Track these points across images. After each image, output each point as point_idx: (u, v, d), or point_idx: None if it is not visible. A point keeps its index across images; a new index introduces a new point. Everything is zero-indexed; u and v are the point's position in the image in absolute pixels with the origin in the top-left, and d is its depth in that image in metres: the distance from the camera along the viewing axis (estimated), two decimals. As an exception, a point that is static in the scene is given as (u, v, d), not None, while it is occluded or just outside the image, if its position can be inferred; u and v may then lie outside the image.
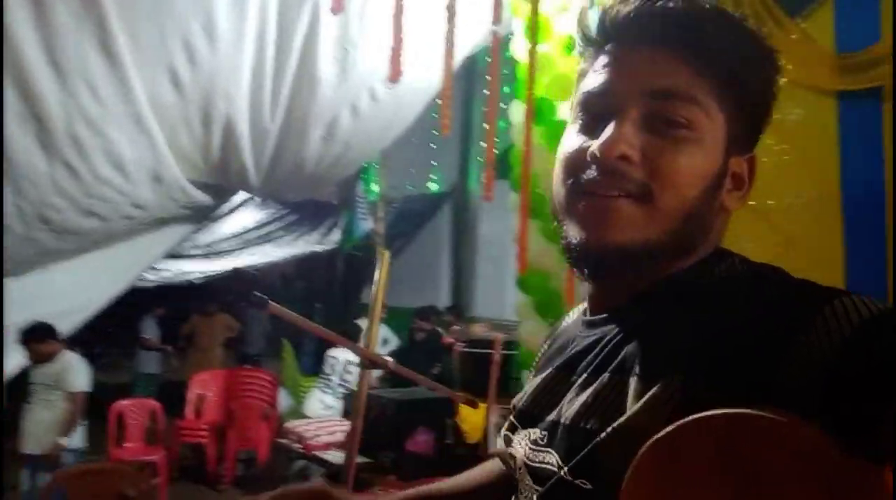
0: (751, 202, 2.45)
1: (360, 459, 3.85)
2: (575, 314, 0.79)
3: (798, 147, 2.70)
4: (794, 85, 2.77)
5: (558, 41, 3.40)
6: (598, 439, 0.57)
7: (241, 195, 6.60)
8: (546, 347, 0.82)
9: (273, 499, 0.78)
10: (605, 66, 0.65)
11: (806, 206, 2.70)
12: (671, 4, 0.62)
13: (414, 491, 0.90)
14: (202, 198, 5.03)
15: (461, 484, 0.91)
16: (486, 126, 9.00)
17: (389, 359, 1.53)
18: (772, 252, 2.84)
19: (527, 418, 0.70)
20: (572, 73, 2.99)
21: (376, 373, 5.24)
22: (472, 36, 3.95)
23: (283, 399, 5.82)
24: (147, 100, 3.63)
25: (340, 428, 4.27)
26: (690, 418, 0.46)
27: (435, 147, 9.52)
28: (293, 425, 4.43)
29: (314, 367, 7.40)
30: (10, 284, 4.21)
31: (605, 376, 0.61)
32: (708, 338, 0.55)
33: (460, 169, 8.84)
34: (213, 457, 5.69)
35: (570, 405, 0.63)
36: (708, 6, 0.63)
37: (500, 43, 2.87)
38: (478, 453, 4.62)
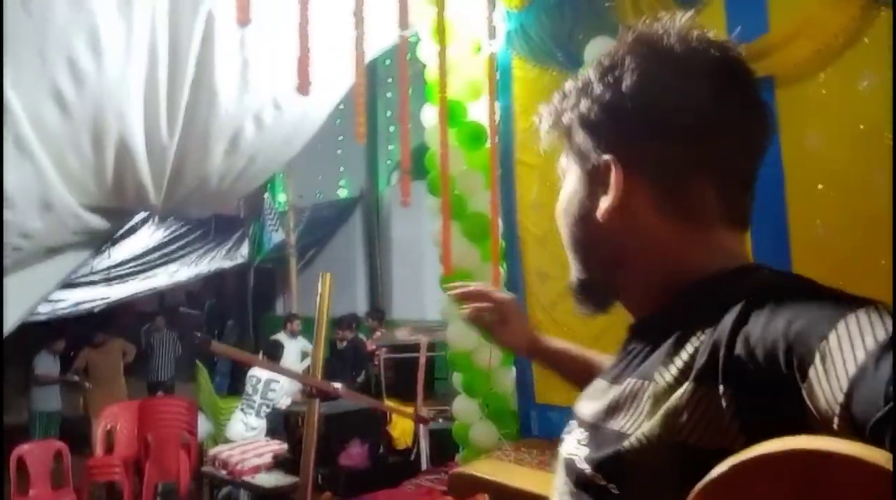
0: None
1: (289, 479, 3.76)
2: None
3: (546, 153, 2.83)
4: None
5: (464, 43, 3.42)
6: (622, 445, 0.58)
7: (141, 215, 6.26)
8: None
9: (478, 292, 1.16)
10: None
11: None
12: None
13: (566, 346, 1.17)
14: (97, 222, 4.71)
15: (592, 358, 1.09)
16: (391, 129, 8.94)
17: (338, 385, 1.48)
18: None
19: (575, 419, 0.74)
20: (479, 73, 3.04)
21: (296, 386, 5.14)
22: (374, 42, 3.91)
23: (202, 424, 5.57)
24: (30, 124, 3.36)
25: (268, 449, 4.14)
26: (749, 454, 0.41)
27: (341, 153, 9.41)
28: (217, 451, 4.26)
29: (231, 387, 7.14)
30: None
31: (630, 381, 0.63)
32: (724, 347, 0.53)
33: (369, 173, 8.77)
34: (129, 494, 5.36)
35: (597, 407, 0.67)
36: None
37: (406, 47, 2.84)
38: (411, 458, 4.61)
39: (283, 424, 4.42)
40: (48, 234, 4.37)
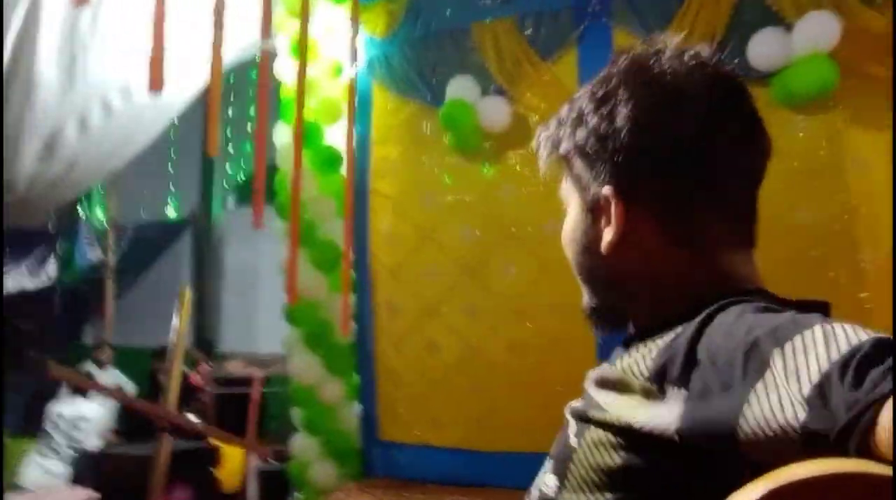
0: (513, 229, 2.56)
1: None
2: None
3: (550, 180, 2.95)
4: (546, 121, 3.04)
5: (325, 64, 3.32)
6: (591, 413, 0.62)
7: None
8: None
9: None
10: None
11: (556, 233, 2.94)
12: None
13: None
14: None
15: None
16: (231, 150, 8.51)
17: (197, 421, 1.28)
18: (529, 276, 3.06)
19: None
20: (338, 96, 2.96)
21: (100, 424, 4.59)
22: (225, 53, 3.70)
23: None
24: None
25: (70, 498, 3.62)
26: (784, 478, 0.39)
27: (173, 171, 8.79)
28: (4, 501, 3.65)
29: (26, 426, 6.23)
30: None
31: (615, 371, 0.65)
32: (686, 347, 0.55)
33: (203, 194, 8.23)
34: None
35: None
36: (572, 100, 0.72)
37: (268, 59, 2.69)
38: (238, 500, 4.26)
39: (93, 469, 3.89)
40: None
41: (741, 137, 0.65)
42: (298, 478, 3.34)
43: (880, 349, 0.44)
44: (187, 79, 3.88)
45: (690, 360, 0.54)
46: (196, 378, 5.40)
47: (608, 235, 0.66)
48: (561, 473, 0.63)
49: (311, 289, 3.26)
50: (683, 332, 0.57)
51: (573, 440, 0.63)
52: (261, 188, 2.45)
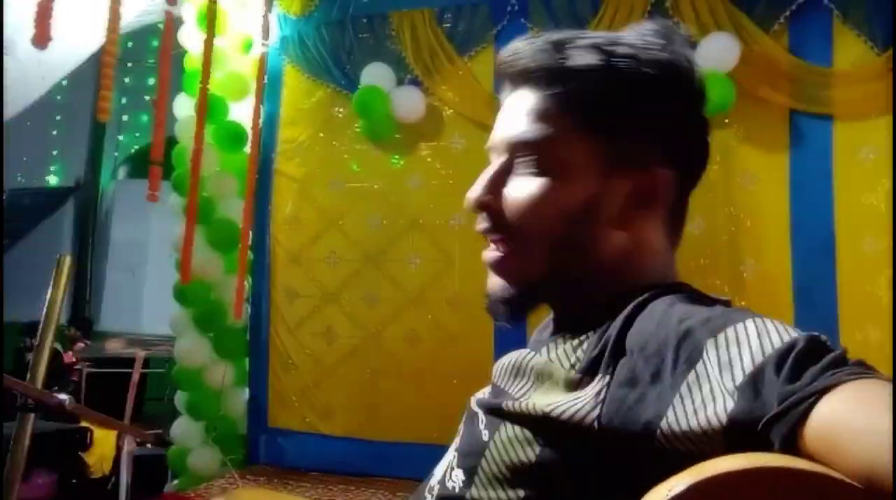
0: (420, 221, 2.56)
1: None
2: None
3: (461, 173, 2.98)
4: (460, 116, 3.06)
5: (234, 37, 3.19)
6: (504, 403, 0.60)
7: None
8: None
9: None
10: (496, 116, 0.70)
11: (462, 227, 2.97)
12: (532, 46, 0.64)
13: None
14: None
15: None
16: (125, 118, 8.03)
17: (66, 398, 1.19)
18: (433, 268, 3.07)
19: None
20: (247, 72, 2.86)
21: None
22: (126, 13, 3.48)
23: None
24: None
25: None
26: (711, 472, 0.38)
27: (56, 134, 8.20)
28: None
29: None
30: None
31: (534, 359, 0.63)
32: (614, 337, 0.56)
33: (90, 162, 7.72)
34: None
35: (507, 378, 0.66)
36: (557, 37, 0.64)
37: (173, 25, 2.55)
38: (108, 487, 4.03)
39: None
40: None
41: (706, 130, 0.70)
42: (178, 464, 3.20)
43: (816, 347, 0.45)
44: (81, 37, 3.62)
45: (619, 348, 0.54)
46: (70, 357, 5.06)
47: (647, 217, 0.64)
48: (470, 468, 0.61)
49: (205, 269, 3.12)
50: (615, 322, 0.57)
51: (484, 435, 0.61)
52: (158, 158, 2.32)
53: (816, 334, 0.46)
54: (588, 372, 0.56)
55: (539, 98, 0.63)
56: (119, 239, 7.22)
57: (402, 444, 2.93)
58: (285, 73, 3.29)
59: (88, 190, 7.63)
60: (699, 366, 0.47)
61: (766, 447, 0.42)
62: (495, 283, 0.67)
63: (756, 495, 0.38)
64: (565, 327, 0.64)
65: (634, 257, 0.64)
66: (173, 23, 2.50)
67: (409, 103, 3.05)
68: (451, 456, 0.66)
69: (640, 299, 0.57)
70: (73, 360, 5.07)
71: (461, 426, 0.68)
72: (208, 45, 2.71)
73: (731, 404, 0.44)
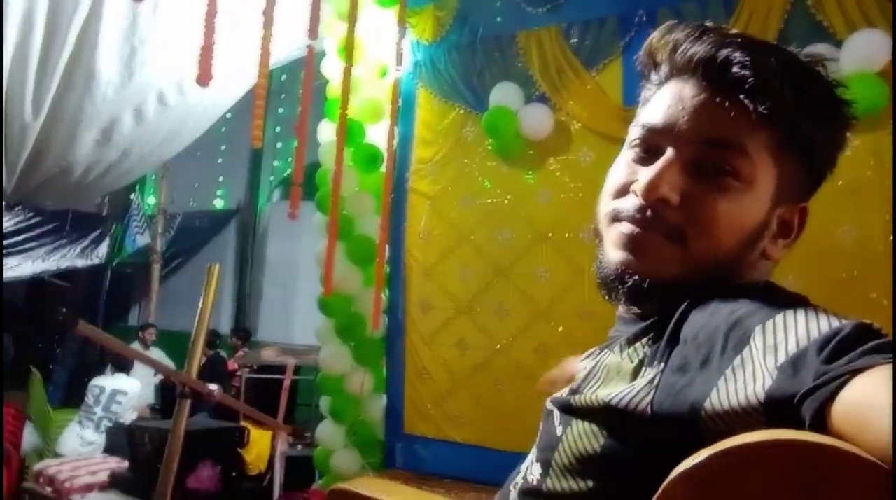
0: (549, 234, 2.58)
1: (129, 500, 3.44)
2: None
3: (589, 186, 2.97)
4: (588, 130, 3.06)
5: (370, 65, 3.40)
6: (573, 398, 0.63)
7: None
8: None
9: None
10: (666, 103, 0.65)
11: (592, 240, 2.95)
12: (738, 50, 0.61)
13: None
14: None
15: None
16: (279, 146, 8.70)
17: (215, 388, 1.36)
18: (562, 280, 3.08)
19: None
20: (382, 97, 3.02)
21: (138, 401, 4.76)
22: (276, 51, 3.83)
23: (28, 437, 5.00)
24: None
25: (104, 466, 3.77)
26: (732, 443, 0.40)
27: (222, 162, 9.03)
28: (43, 465, 3.83)
29: (66, 398, 6.50)
30: None
31: (606, 357, 0.65)
32: (670, 329, 0.57)
33: (249, 187, 8.44)
34: (-69, 510, 4.69)
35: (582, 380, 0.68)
36: (776, 52, 0.62)
37: (314, 58, 2.78)
38: (264, 484, 4.36)
39: (126, 440, 4.05)
40: None
41: None
42: (322, 465, 3.42)
43: (862, 333, 0.45)
44: (239, 76, 4.02)
45: (674, 338, 0.56)
46: (233, 364, 5.55)
47: (784, 243, 0.65)
48: (546, 461, 0.63)
49: (346, 282, 3.34)
50: (675, 314, 0.59)
51: (558, 430, 0.63)
52: (299, 179, 2.53)
53: (867, 322, 0.46)
54: (648, 363, 0.58)
55: (751, 108, 0.60)
56: (274, 256, 7.80)
57: (531, 456, 2.95)
58: (418, 96, 3.46)
59: (248, 212, 8.34)
60: (745, 351, 0.49)
61: (802, 425, 0.43)
62: (625, 261, 0.63)
63: (771, 466, 0.38)
64: (645, 323, 0.65)
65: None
66: (314, 56, 2.72)
67: (537, 120, 3.10)
68: (532, 453, 0.68)
69: (702, 295, 0.58)
70: (235, 367, 5.55)
71: (540, 424, 0.70)
72: (347, 73, 2.92)
73: (769, 382, 0.45)
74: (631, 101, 2.85)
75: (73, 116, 4.28)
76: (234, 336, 6.35)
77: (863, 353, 0.43)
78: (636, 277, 0.62)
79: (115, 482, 3.63)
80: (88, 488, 3.58)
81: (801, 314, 0.49)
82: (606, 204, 0.68)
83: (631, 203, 0.64)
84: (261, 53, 2.38)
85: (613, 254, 0.64)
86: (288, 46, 3.57)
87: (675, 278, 0.62)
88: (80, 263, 7.43)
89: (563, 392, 0.70)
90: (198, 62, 2.19)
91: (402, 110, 3.40)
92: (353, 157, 3.32)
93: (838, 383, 0.42)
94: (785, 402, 0.44)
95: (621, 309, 0.71)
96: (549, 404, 0.69)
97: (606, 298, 0.68)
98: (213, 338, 5.86)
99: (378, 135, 3.39)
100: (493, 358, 3.19)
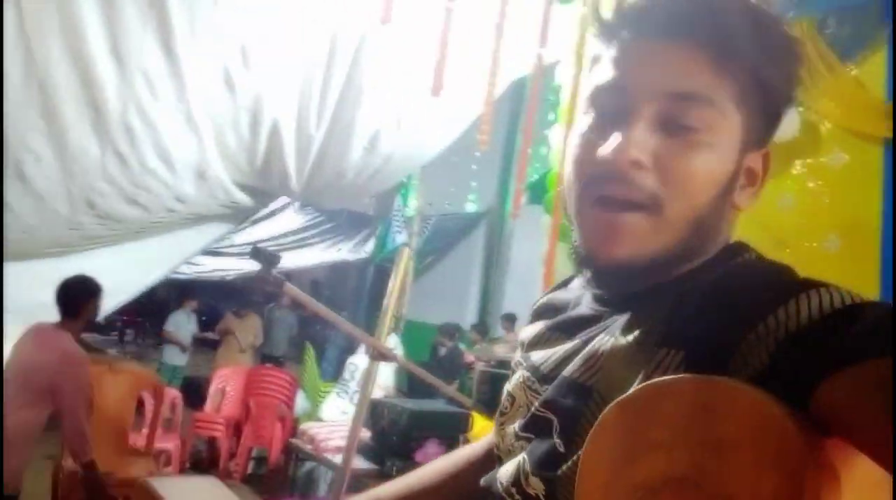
0: (789, 242, 2.39)
1: (366, 465, 3.87)
2: (575, 283, 0.78)
3: (839, 191, 2.67)
4: (842, 129, 2.75)
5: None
6: (586, 405, 0.58)
7: (281, 200, 6.72)
8: (541, 302, 0.82)
9: None
10: (619, 59, 0.62)
11: (840, 251, 2.65)
12: None
13: (403, 484, 0.91)
14: (243, 199, 5.15)
15: (443, 471, 0.92)
16: (528, 150, 9.02)
17: (398, 353, 1.55)
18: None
19: (522, 362, 0.73)
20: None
21: (386, 379, 5.29)
22: (521, 60, 4.01)
23: (300, 402, 5.87)
24: (199, 98, 3.75)
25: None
26: (656, 381, 0.47)
27: (476, 168, 9.60)
28: (307, 426, 4.47)
29: (334, 373, 7.49)
30: (52, 263, 4.36)
31: (608, 341, 0.61)
32: (704, 321, 0.54)
33: (498, 191, 8.88)
34: (226, 452, 5.75)
35: (564, 361, 0.64)
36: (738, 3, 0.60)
37: (542, 65, 2.90)
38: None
39: (370, 413, 4.59)
40: (199, 202, 4.83)
41: None
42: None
43: (881, 313, 0.45)
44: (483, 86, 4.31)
45: (694, 323, 0.54)
46: (469, 356, 5.91)
47: (751, 192, 0.65)
48: (550, 480, 0.59)
49: (569, 284, 3.40)
50: (690, 294, 0.57)
51: (560, 446, 0.59)
52: (522, 183, 2.66)
53: (886, 303, 0.46)
54: (660, 353, 0.55)
55: (711, 57, 0.58)
56: (516, 258, 8.13)
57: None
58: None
59: (495, 215, 8.78)
60: (761, 328, 0.49)
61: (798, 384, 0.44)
62: (603, 251, 0.61)
63: (682, 397, 0.44)
64: (625, 301, 0.62)
65: (725, 232, 0.64)
66: (542, 62, 2.83)
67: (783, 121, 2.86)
68: (519, 459, 0.63)
69: (711, 274, 0.58)
70: (471, 359, 5.91)
71: (514, 427, 0.67)
72: (577, 79, 2.98)
73: (773, 349, 0.46)
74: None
75: (346, 127, 4.93)
76: (474, 331, 6.76)
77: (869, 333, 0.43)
78: (616, 265, 0.60)
79: (359, 448, 4.11)
80: (338, 449, 4.10)
81: (825, 293, 0.49)
82: (572, 185, 0.64)
83: (601, 174, 0.60)
84: (491, 64, 2.56)
85: (589, 243, 0.62)
86: (527, 55, 3.74)
87: (657, 253, 0.60)
88: (351, 257, 8.48)
89: (538, 384, 0.66)
90: (433, 73, 2.43)
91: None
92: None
93: (854, 356, 0.41)
94: (787, 370, 0.45)
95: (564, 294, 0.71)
96: (537, 406, 0.64)
97: (586, 282, 0.66)
98: (455, 331, 6.29)
99: (607, 139, 3.39)
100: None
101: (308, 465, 4.46)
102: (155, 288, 5.55)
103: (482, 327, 6.89)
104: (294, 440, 4.42)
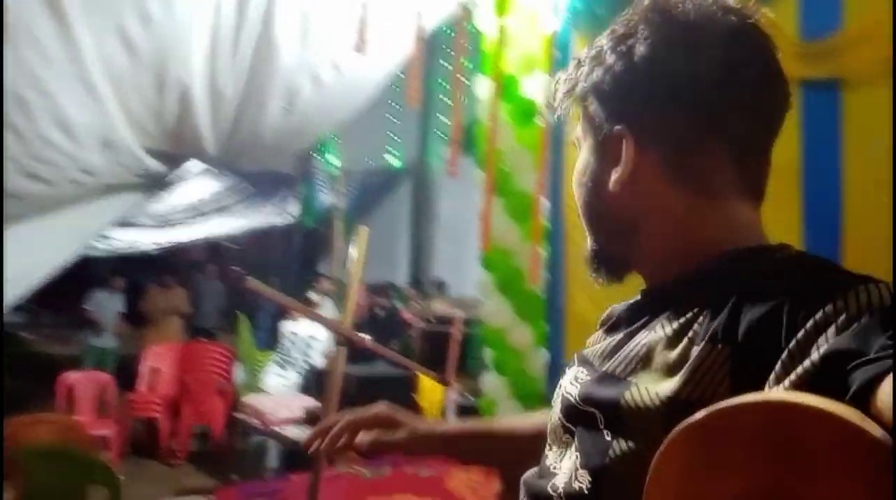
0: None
1: (316, 435, 3.86)
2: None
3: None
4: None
5: (525, 16, 3.35)
6: (623, 396, 0.59)
7: (196, 164, 6.41)
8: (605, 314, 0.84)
9: (343, 428, 0.98)
10: None
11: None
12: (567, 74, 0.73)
13: (470, 425, 1.03)
14: (155, 165, 4.87)
15: (514, 427, 0.98)
16: (447, 101, 8.91)
17: (367, 337, 1.50)
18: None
19: (577, 359, 0.76)
20: (538, 49, 2.97)
21: (327, 345, 5.24)
22: (436, 9, 3.89)
23: (238, 374, 5.74)
24: (97, 62, 3.46)
25: (299, 403, 4.24)
26: (728, 403, 0.43)
27: (394, 121, 9.41)
28: (251, 400, 4.38)
29: (269, 342, 7.35)
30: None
31: (648, 337, 0.63)
32: (752, 316, 0.54)
33: (420, 144, 8.75)
34: (165, 431, 5.58)
35: (609, 355, 0.67)
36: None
37: (465, 15, 2.81)
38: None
39: (315, 382, 4.53)
40: (108, 172, 4.53)
41: (760, 82, 0.63)
42: (488, 414, 3.56)
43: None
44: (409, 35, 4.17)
45: (735, 322, 0.54)
46: (406, 315, 5.90)
47: (616, 173, 0.65)
48: (596, 470, 0.60)
49: (505, 237, 3.39)
50: (729, 292, 0.56)
51: (606, 435, 0.60)
52: (456, 139, 2.60)
53: None
54: (706, 348, 0.55)
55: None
56: (445, 212, 8.10)
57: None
58: (574, 46, 3.35)
59: (420, 168, 8.69)
60: (801, 335, 0.47)
61: (845, 392, 0.43)
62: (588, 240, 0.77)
63: (755, 424, 0.41)
64: (663, 299, 0.64)
65: (665, 212, 0.66)
66: (468, 11, 2.74)
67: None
68: (574, 456, 0.65)
69: (758, 269, 0.56)
70: (409, 317, 5.90)
71: (558, 414, 0.70)
72: (500, 27, 2.91)
73: (824, 349, 0.45)
74: (812, 33, 2.56)
75: (261, 86, 4.68)
76: (410, 288, 6.74)
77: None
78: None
79: (308, 418, 4.07)
80: (286, 421, 4.05)
81: (861, 293, 0.48)
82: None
83: None
84: (415, 17, 2.45)
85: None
86: (447, 4, 3.62)
87: (591, 247, 0.74)
88: (277, 220, 8.23)
89: (581, 379, 0.68)
90: (356, 31, 2.31)
91: (559, 62, 3.33)
92: (509, 112, 3.32)
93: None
94: (844, 358, 0.43)
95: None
96: (578, 401, 0.66)
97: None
98: (390, 289, 6.25)
99: (534, 88, 3.35)
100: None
101: (257, 438, 4.39)
102: (71, 267, 5.21)
103: (418, 285, 6.88)
104: (239, 415, 4.33)
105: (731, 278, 0.57)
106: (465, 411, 4.20)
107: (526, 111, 3.37)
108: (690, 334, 0.57)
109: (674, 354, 0.58)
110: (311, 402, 4.25)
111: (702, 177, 0.64)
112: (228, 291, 8.12)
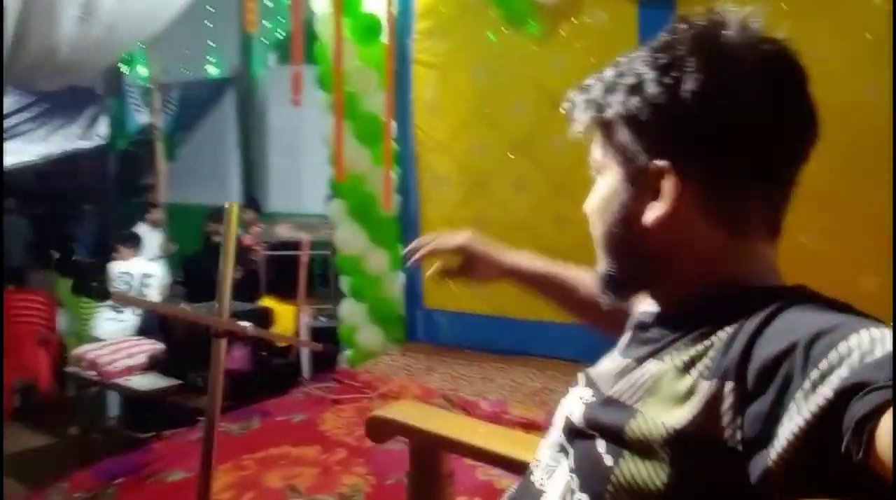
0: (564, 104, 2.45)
1: (166, 381, 3.62)
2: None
3: (603, 50, 2.80)
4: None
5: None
6: (628, 424, 0.59)
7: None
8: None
9: (435, 247, 1.08)
10: None
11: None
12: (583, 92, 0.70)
13: (545, 270, 1.06)
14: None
15: (580, 278, 1.02)
16: (270, 5, 8.21)
17: (248, 324, 1.37)
18: (581, 150, 3.00)
19: (583, 379, 0.75)
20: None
21: (164, 280, 4.90)
22: None
23: (63, 321, 5.20)
24: None
25: (141, 349, 3.94)
26: None
27: (211, 26, 8.57)
28: (83, 350, 4.00)
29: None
30: None
31: (656, 367, 0.62)
32: (763, 354, 0.53)
33: (242, 51, 8.07)
34: (-18, 391, 4.99)
35: (614, 381, 0.67)
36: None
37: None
38: (289, 358, 4.58)
39: (157, 323, 4.21)
40: None
41: (803, 119, 0.61)
42: (348, 340, 3.55)
43: None
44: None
45: (748, 359, 0.54)
46: (247, 240, 5.59)
47: (657, 209, 0.63)
48: (596, 495, 0.61)
49: (355, 162, 3.28)
50: (743, 330, 0.56)
51: (606, 460, 0.61)
52: (298, 61, 2.40)
53: None
54: (708, 377, 0.55)
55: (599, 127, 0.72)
56: (277, 125, 7.61)
57: (550, 323, 3.03)
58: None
59: (243, 78, 8.04)
60: (814, 374, 0.48)
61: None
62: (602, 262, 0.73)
63: None
64: (675, 329, 0.64)
65: (699, 249, 0.65)
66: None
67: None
68: (568, 477, 0.65)
69: (772, 308, 0.56)
70: (250, 242, 5.61)
71: (558, 433, 0.70)
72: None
73: (837, 384, 0.46)
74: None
75: (48, -7, 4.02)
76: (247, 210, 6.36)
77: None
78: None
79: (154, 363, 3.81)
80: (129, 371, 3.76)
81: (870, 333, 0.48)
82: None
83: None
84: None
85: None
86: None
87: (602, 274, 0.71)
88: (83, 144, 7.33)
89: (587, 400, 0.68)
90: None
91: (401, -27, 3.15)
92: (350, 28, 3.12)
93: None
94: (856, 393, 0.44)
95: (646, 306, 0.71)
96: (580, 422, 0.66)
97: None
98: (222, 214, 5.86)
99: (376, 3, 3.16)
100: (513, 232, 3.18)
101: (93, 389, 4.05)
102: None
103: (254, 205, 6.50)
104: (71, 369, 3.95)
105: (745, 317, 0.57)
106: (321, 333, 4.15)
107: (368, 27, 3.18)
108: (700, 367, 0.57)
109: (682, 385, 0.57)
110: (153, 346, 3.97)
111: (741, 217, 0.63)
112: (35, 226, 7.22)
